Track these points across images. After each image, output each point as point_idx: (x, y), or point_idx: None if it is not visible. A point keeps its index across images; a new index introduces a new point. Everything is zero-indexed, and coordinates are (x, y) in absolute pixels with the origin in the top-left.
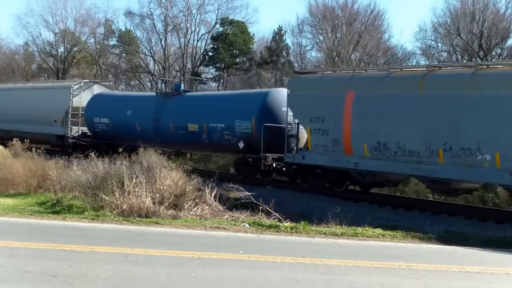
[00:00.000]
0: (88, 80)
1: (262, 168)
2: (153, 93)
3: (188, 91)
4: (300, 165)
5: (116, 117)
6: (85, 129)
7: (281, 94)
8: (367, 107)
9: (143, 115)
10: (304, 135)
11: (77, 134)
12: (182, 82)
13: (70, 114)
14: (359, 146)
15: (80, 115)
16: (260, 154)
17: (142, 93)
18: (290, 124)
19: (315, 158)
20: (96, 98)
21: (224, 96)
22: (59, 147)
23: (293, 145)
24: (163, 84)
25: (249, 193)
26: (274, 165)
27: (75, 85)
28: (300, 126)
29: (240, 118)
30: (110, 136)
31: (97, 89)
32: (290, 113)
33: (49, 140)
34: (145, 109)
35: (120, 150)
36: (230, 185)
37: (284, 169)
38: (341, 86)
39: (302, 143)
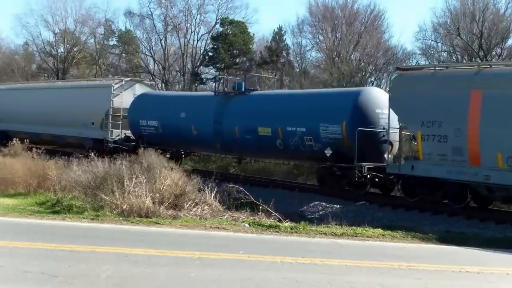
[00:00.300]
0: (129, 79)
1: (356, 179)
2: (210, 93)
3: (253, 90)
4: (403, 176)
5: (168, 119)
6: (128, 132)
7: (374, 93)
8: (502, 109)
9: (200, 117)
10: (396, 141)
11: (118, 138)
12: (242, 80)
13: (110, 116)
14: (491, 155)
15: (121, 117)
16: (354, 163)
17: (197, 93)
18: (384, 128)
19: (428, 169)
20: (141, 99)
21: (304, 95)
22: (96, 151)
23: (396, 153)
24: (164, 85)
25: (248, 193)
26: (368, 176)
27: (116, 84)
28: (391, 131)
29: (327, 121)
30: (159, 140)
31: (139, 88)
32: (383, 116)
33: (85, 144)
34: (203, 111)
35: (168, 156)
36: (230, 185)
37: (376, 179)
38: (463, 84)
39: (394, 150)
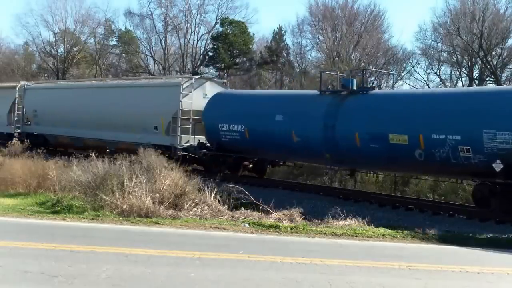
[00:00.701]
0: (198, 76)
1: None
2: (313, 91)
3: (370, 88)
4: None
5: (258, 124)
6: (201, 138)
7: None
8: None
9: (304, 121)
10: None
11: (187, 144)
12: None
13: (179, 120)
14: None
15: (191, 121)
16: None
17: (296, 91)
18: None
19: None
20: (219, 99)
21: (459, 95)
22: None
23: None
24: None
25: (248, 193)
26: None
27: (185, 82)
28: None
29: (494, 127)
30: (245, 148)
31: (209, 87)
32: None
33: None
34: (307, 114)
35: (250, 166)
36: (230, 185)
37: None
38: None
39: None
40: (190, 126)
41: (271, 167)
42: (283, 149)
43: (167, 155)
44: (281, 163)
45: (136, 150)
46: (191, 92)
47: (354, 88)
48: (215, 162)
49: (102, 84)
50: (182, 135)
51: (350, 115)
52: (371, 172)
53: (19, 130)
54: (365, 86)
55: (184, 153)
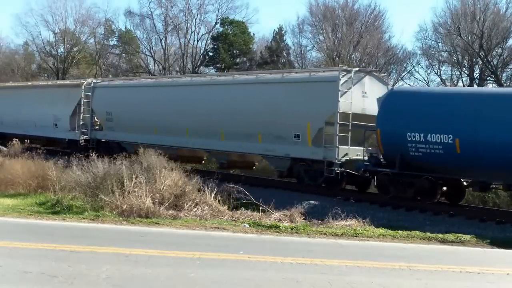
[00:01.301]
0: (357, 69)
1: None
2: None
3: None
4: None
5: (478, 134)
6: (358, 150)
7: None
8: None
9: None
10: None
11: (345, 158)
12: None
13: (337, 126)
14: None
15: (350, 127)
16: None
17: None
18: None
19: None
20: (402, 99)
21: None
22: (299, 180)
23: None
24: None
25: (249, 194)
26: None
27: (343, 76)
28: None
29: None
30: (452, 166)
31: (369, 83)
32: None
33: (277, 165)
34: None
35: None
36: (231, 185)
37: None
38: None
39: None
40: (349, 135)
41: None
42: None
43: (310, 172)
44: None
45: (253, 163)
46: (349, 89)
47: None
48: (396, 185)
49: (209, 80)
50: (340, 146)
51: None
52: None
53: (85, 136)
54: None
55: (342, 170)
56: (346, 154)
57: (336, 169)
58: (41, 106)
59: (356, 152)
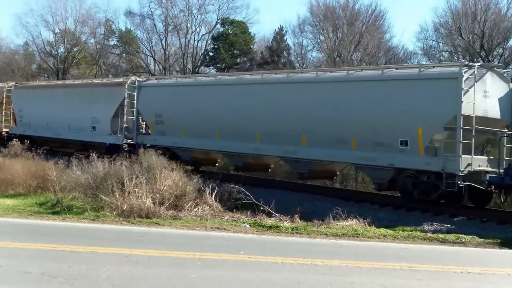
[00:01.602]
0: (479, 63)
1: None
2: None
3: None
4: None
5: None
6: (481, 160)
7: None
8: None
9: None
10: None
11: (469, 169)
12: None
13: (461, 131)
14: None
15: (474, 133)
16: None
17: None
18: None
19: None
20: None
21: None
22: (404, 194)
23: None
24: None
25: (249, 194)
26: None
27: (465, 72)
28: None
29: None
30: None
31: (490, 81)
32: None
33: (379, 176)
34: None
35: None
36: (231, 186)
37: None
38: None
39: None
40: (473, 142)
41: None
42: None
43: (420, 185)
44: None
45: (335, 172)
46: (471, 88)
47: None
48: None
49: (285, 78)
50: (463, 156)
51: None
52: None
53: (130, 141)
54: None
55: (467, 183)
56: (469, 165)
57: (459, 182)
58: (77, 106)
59: (479, 162)
